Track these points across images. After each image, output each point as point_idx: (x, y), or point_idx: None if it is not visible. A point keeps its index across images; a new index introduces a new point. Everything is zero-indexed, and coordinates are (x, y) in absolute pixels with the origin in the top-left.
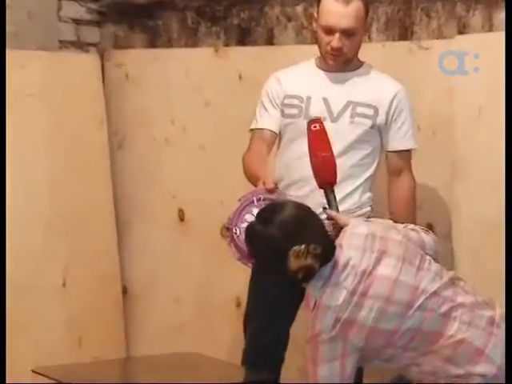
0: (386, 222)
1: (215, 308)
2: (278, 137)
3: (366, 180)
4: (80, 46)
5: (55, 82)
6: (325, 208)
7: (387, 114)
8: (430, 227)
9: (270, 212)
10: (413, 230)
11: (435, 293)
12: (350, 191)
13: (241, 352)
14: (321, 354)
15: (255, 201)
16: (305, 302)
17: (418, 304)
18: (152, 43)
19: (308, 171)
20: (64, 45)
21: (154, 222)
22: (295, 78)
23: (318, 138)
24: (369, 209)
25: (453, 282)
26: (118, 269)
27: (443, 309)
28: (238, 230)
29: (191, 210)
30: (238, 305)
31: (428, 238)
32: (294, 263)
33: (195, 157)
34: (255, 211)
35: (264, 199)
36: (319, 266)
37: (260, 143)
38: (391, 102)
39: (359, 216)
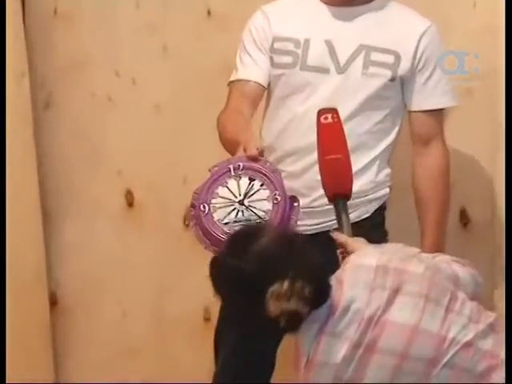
0: (408, 249)
1: (176, 323)
2: (265, 91)
3: (383, 151)
4: None
5: None
6: (334, 229)
7: (413, 60)
8: (463, 213)
9: (243, 239)
10: (442, 261)
11: (469, 344)
12: (363, 166)
13: (211, 379)
14: None
15: (232, 170)
16: (294, 358)
17: (445, 360)
18: None
19: (306, 139)
20: None
21: (92, 208)
22: (288, 15)
23: (328, 135)
24: (387, 190)
25: (493, 328)
26: (44, 272)
27: (480, 368)
28: (206, 206)
29: (143, 190)
30: (207, 318)
31: (463, 271)
32: (273, 307)
33: (148, 119)
34: (231, 183)
35: (243, 168)
36: (308, 310)
37: (241, 100)
38: (418, 44)
39: (375, 200)
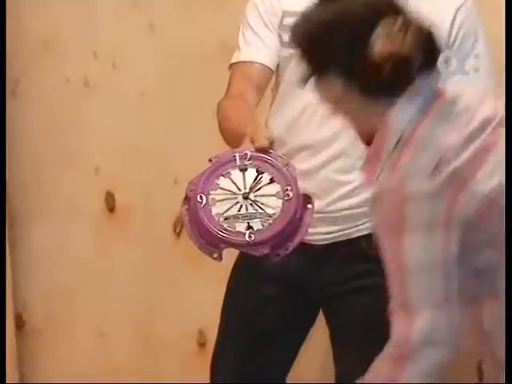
0: None
1: (165, 348)
2: (273, 74)
3: None
4: None
5: None
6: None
7: (447, 39)
8: None
9: None
10: None
11: None
12: None
13: None
14: (410, 214)
15: (237, 159)
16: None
17: None
18: None
19: (321, 132)
20: None
21: (66, 212)
22: None
23: None
24: None
25: None
26: (10, 289)
27: None
28: (204, 198)
29: (125, 192)
30: (202, 344)
31: None
32: (381, 46)
33: (132, 109)
34: (235, 174)
35: (251, 158)
36: (418, 64)
37: (245, 84)
38: (453, 20)
39: None
